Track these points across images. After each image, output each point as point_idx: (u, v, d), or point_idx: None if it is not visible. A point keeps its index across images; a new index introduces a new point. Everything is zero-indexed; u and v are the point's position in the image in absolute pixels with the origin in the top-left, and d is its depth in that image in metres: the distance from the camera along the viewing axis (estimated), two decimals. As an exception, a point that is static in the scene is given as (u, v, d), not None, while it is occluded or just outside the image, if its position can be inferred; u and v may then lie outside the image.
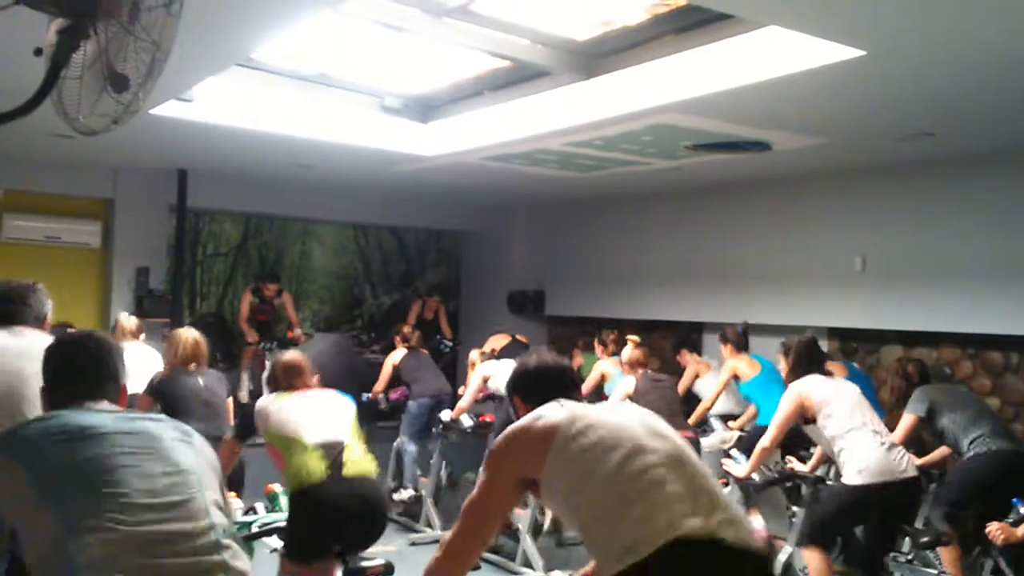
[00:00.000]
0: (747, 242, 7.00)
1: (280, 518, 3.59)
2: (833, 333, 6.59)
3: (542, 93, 5.01)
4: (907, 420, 4.69)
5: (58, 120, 2.35)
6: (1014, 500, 4.25)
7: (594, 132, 5.27)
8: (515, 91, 5.18)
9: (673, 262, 7.63)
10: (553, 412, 2.08)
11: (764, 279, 6.82)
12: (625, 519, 1.89)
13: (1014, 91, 4.08)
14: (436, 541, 5.92)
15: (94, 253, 7.64)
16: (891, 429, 4.70)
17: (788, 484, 4.97)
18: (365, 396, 6.94)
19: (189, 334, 4.61)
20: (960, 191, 5.66)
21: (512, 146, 5.84)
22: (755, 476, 4.62)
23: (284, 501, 3.83)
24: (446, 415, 6.32)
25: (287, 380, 3.76)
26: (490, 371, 6.17)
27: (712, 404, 6.04)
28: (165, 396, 4.32)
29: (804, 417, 4.20)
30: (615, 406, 2.16)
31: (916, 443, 4.93)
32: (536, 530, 5.53)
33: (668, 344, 7.28)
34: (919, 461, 4.94)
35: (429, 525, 6.28)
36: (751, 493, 4.72)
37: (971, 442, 4.48)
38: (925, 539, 4.17)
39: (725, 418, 6.14)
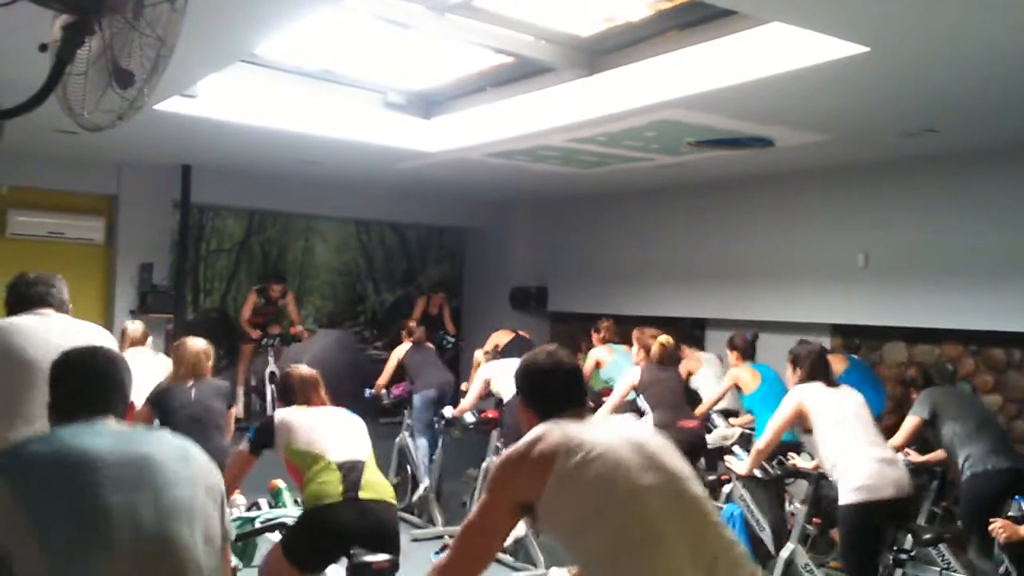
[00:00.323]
0: (750, 238, 7.00)
1: (282, 514, 3.57)
2: (836, 330, 6.59)
3: (545, 89, 5.00)
4: (910, 422, 4.67)
5: (62, 116, 2.35)
6: (1016, 497, 4.25)
7: (597, 128, 5.27)
8: (518, 87, 5.18)
9: (676, 258, 7.63)
10: (551, 437, 2.00)
11: (767, 275, 6.82)
12: (623, 571, 1.87)
13: (1018, 87, 4.07)
14: (438, 537, 5.96)
15: (98, 249, 7.65)
16: (890, 431, 4.71)
17: (789, 481, 4.98)
18: (368, 392, 6.95)
19: (196, 345, 4.51)
20: (963, 188, 5.65)
21: (515, 142, 5.84)
22: (756, 472, 4.63)
23: (287, 497, 3.84)
24: (448, 411, 6.33)
25: (304, 394, 3.72)
26: (492, 373, 6.16)
27: (711, 407, 6.04)
28: (160, 409, 4.30)
29: (804, 427, 4.20)
30: (610, 430, 2.07)
31: (919, 439, 4.91)
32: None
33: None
34: (921, 459, 4.95)
35: (431, 521, 6.29)
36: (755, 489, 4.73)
37: (967, 458, 4.44)
38: (927, 536, 4.17)
39: (726, 414, 6.13)
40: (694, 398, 6.11)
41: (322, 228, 9.54)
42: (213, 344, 4.72)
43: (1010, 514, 4.07)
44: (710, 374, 6.38)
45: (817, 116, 4.80)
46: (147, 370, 4.85)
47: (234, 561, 3.32)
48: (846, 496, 3.93)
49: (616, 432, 2.07)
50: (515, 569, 5.36)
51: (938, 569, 4.60)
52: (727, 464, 4.77)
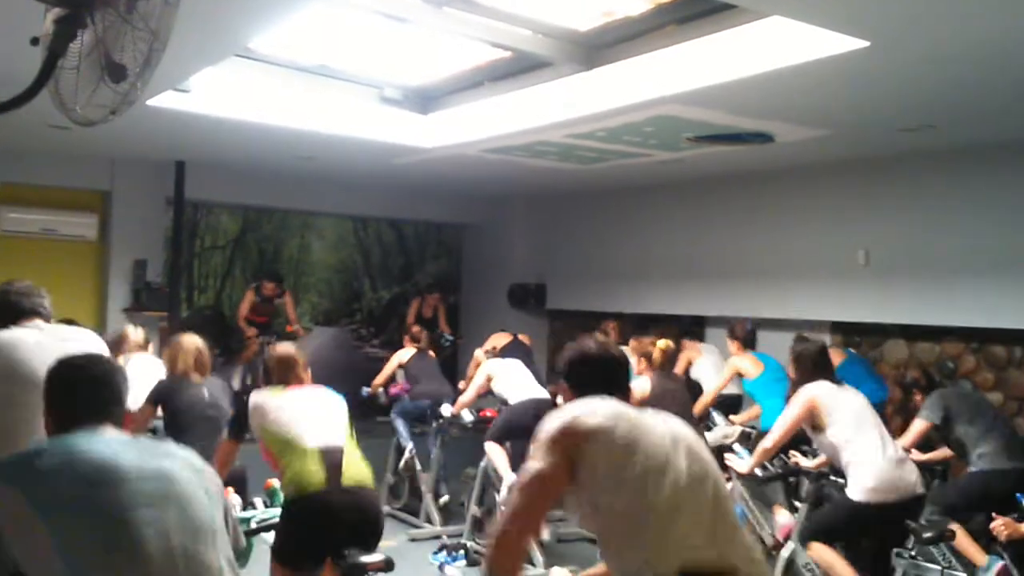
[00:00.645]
0: (749, 235, 6.98)
1: (278, 514, 3.54)
2: (836, 327, 6.57)
3: (543, 84, 4.97)
4: (919, 425, 4.66)
5: (55, 111, 2.32)
6: (1018, 496, 4.23)
7: (595, 124, 5.23)
8: (516, 82, 5.15)
9: (674, 255, 7.61)
10: (601, 407, 2.04)
11: (766, 273, 6.80)
12: (640, 540, 1.87)
13: (1018, 83, 4.05)
14: (436, 537, 5.93)
15: (91, 246, 7.60)
16: (895, 434, 4.69)
17: (791, 480, 4.97)
18: (364, 390, 6.92)
19: (192, 342, 4.46)
20: (964, 184, 5.63)
21: (512, 138, 5.80)
22: (758, 471, 4.61)
23: (280, 505, 3.79)
24: (446, 410, 6.29)
25: (281, 374, 3.63)
26: (494, 371, 6.11)
27: (712, 400, 6.02)
28: (168, 406, 4.23)
29: (812, 424, 4.18)
30: (652, 415, 2.12)
31: (921, 440, 4.90)
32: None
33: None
34: (923, 457, 4.94)
35: (429, 521, 6.26)
36: (759, 488, 4.71)
37: (979, 456, 4.46)
38: (928, 535, 4.15)
39: (728, 405, 6.12)
40: (695, 389, 6.09)
41: (318, 224, 9.51)
42: (208, 342, 4.68)
43: (1014, 515, 4.05)
44: (710, 364, 6.38)
45: (817, 111, 4.77)
46: (149, 375, 4.80)
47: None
48: (859, 493, 3.94)
49: (653, 415, 2.10)
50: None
51: (939, 568, 4.58)
52: (727, 463, 4.75)
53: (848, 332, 6.54)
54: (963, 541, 4.20)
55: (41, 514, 1.69)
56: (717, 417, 5.91)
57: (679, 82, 4.35)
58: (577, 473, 1.95)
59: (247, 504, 3.80)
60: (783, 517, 5.00)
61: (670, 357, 5.61)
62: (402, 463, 6.60)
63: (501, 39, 4.50)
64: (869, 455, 3.97)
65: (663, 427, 2.05)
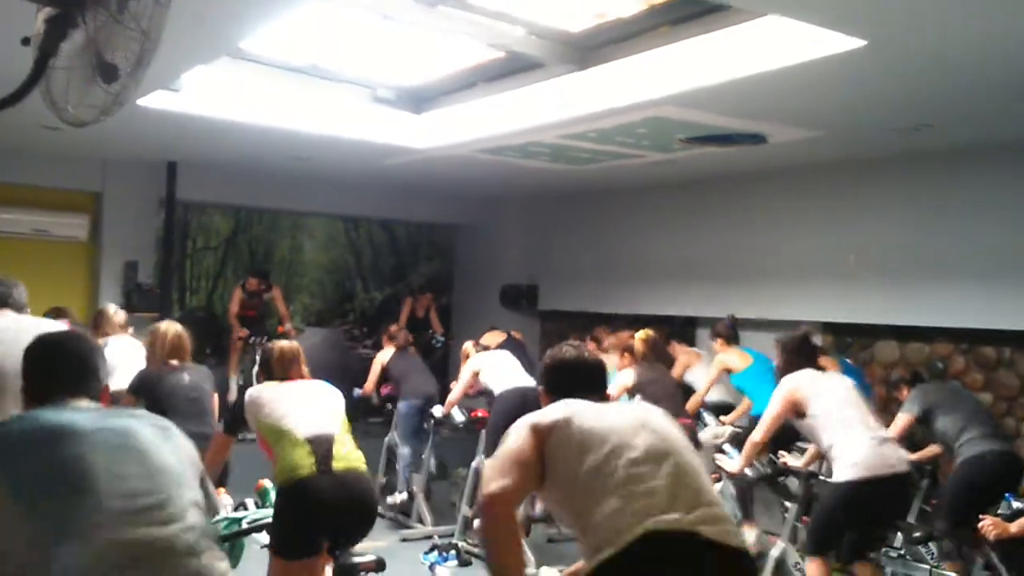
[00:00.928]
0: (741, 236, 6.99)
1: (270, 514, 3.54)
2: (828, 328, 6.58)
3: (536, 85, 4.96)
4: (902, 419, 4.68)
5: (46, 111, 2.32)
6: (1007, 495, 4.26)
7: (588, 124, 5.24)
8: (508, 82, 5.14)
9: (667, 256, 7.61)
10: (557, 410, 2.15)
11: (758, 273, 6.81)
12: (601, 512, 1.94)
13: (1013, 84, 4.06)
14: (427, 537, 5.93)
15: (82, 247, 7.58)
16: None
17: (780, 479, 4.98)
18: (356, 392, 6.91)
19: (171, 328, 4.48)
20: (956, 185, 5.64)
21: (505, 138, 5.80)
22: (748, 471, 4.62)
23: (274, 497, 3.79)
24: (438, 411, 6.29)
25: (281, 369, 3.72)
26: (481, 364, 6.12)
27: (703, 398, 6.04)
28: (150, 394, 4.24)
29: (797, 412, 4.18)
30: (618, 405, 2.19)
31: (907, 439, 4.92)
32: (528, 527, 5.51)
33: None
34: (912, 456, 4.95)
35: (420, 521, 6.26)
36: (747, 492, 4.72)
37: (961, 445, 4.47)
38: (917, 534, 4.18)
39: (718, 410, 6.13)
40: (688, 393, 6.11)
41: (310, 225, 9.49)
42: (200, 342, 4.68)
43: (1000, 512, 4.07)
44: (703, 369, 6.38)
45: (810, 112, 4.78)
46: (129, 355, 4.81)
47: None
48: (843, 472, 3.92)
49: (620, 408, 2.24)
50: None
51: (928, 568, 4.60)
52: (717, 462, 4.76)
53: (840, 333, 6.55)
54: None
55: (5, 477, 1.70)
56: (708, 417, 5.92)
57: (672, 83, 4.35)
58: (546, 469, 2.07)
59: (238, 505, 3.80)
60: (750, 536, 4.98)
61: (654, 346, 5.62)
62: (394, 501, 6.48)
63: (494, 39, 4.50)
64: (851, 433, 3.95)
65: (628, 414, 2.16)
